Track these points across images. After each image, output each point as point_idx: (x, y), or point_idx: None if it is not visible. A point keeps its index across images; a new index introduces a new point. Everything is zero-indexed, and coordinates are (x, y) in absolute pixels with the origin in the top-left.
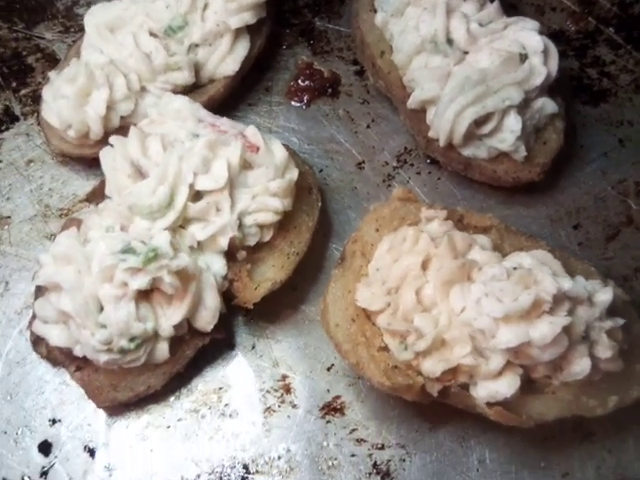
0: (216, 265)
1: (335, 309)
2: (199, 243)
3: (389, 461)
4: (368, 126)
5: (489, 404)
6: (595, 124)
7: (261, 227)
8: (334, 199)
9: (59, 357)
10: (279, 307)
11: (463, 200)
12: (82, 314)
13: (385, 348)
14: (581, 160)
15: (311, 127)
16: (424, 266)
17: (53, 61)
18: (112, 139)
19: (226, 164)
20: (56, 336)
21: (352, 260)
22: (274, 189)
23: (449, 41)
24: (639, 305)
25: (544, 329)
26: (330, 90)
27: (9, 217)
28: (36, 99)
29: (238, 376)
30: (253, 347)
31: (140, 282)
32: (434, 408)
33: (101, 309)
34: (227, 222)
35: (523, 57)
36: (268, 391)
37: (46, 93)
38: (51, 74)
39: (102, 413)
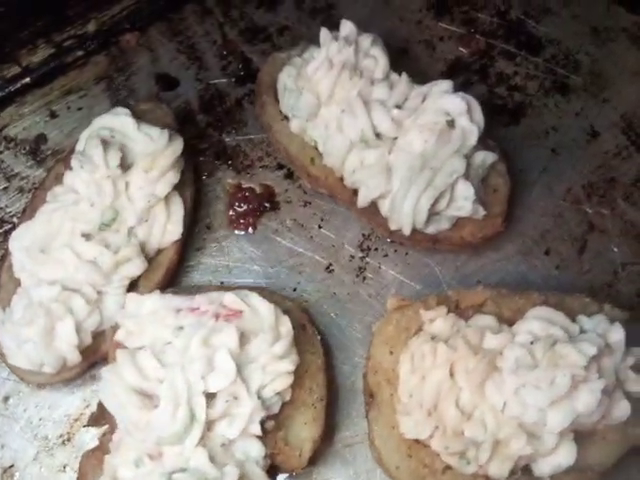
0: (253, 450)
1: (388, 451)
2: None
3: None
4: (319, 226)
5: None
6: (524, 142)
7: (279, 392)
8: (319, 313)
9: None
10: None
11: (437, 265)
12: None
13: (448, 466)
14: (525, 184)
15: (267, 249)
16: (450, 372)
17: None
18: (104, 373)
19: (228, 354)
20: None
21: (380, 393)
22: (280, 352)
23: (377, 135)
24: (629, 307)
25: (586, 399)
26: (269, 205)
27: (12, 466)
28: None
29: None
30: None
31: None
32: None
33: None
34: (252, 409)
35: (450, 123)
36: None
37: (4, 339)
38: None
39: None
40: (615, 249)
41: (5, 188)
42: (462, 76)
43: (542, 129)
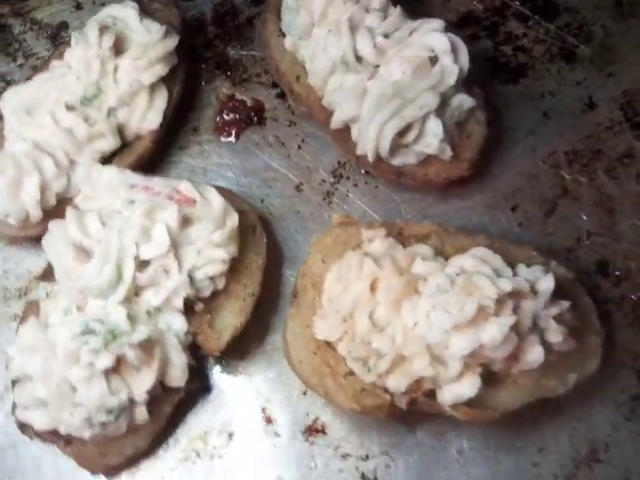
0: (176, 324)
1: (296, 346)
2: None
3: (375, 469)
4: (299, 147)
5: (456, 405)
6: (518, 102)
7: (212, 278)
8: (280, 226)
9: (47, 437)
10: (246, 341)
11: (403, 203)
12: (57, 398)
13: (352, 372)
14: (509, 142)
15: (245, 159)
16: (372, 287)
17: None
18: (51, 225)
19: (165, 228)
20: (39, 421)
21: (304, 294)
22: (217, 240)
23: (358, 59)
24: (586, 273)
25: (492, 331)
26: (256, 119)
27: None
28: None
29: (219, 417)
30: (229, 386)
31: (104, 362)
32: (409, 411)
33: (75, 388)
34: (178, 283)
35: (433, 60)
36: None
37: None
38: None
39: (100, 477)
40: (584, 217)
41: (21, 65)
42: (471, 30)
43: (539, 92)
